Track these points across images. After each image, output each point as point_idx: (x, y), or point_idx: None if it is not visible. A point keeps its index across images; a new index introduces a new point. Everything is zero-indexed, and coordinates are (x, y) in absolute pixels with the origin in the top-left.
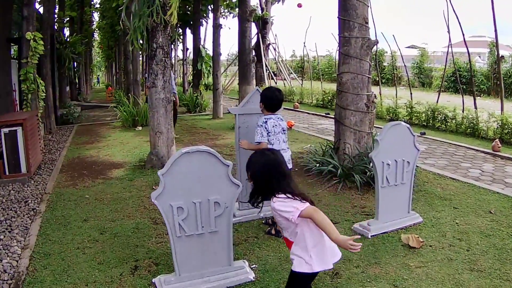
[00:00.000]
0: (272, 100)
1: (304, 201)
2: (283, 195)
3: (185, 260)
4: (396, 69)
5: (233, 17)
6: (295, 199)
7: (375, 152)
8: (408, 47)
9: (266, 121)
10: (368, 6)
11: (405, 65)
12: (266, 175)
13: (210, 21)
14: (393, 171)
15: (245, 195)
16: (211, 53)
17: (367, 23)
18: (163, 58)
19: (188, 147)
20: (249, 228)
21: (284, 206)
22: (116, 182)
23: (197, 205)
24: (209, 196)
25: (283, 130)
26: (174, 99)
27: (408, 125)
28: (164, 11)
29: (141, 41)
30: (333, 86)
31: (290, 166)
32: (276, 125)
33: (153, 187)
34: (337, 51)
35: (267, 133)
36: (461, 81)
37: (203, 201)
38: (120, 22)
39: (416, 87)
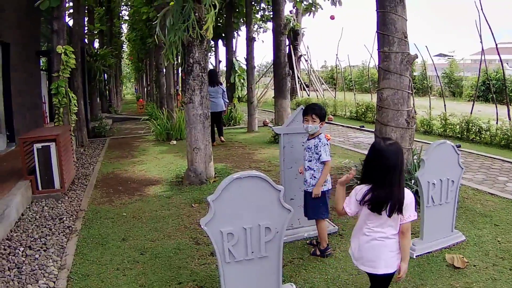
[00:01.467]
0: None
1: None
2: None
3: (234, 285)
4: (427, 79)
5: (264, 31)
6: None
7: (421, 172)
8: (436, 55)
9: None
10: (406, 20)
11: (437, 75)
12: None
13: (242, 33)
14: (438, 191)
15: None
16: (243, 65)
17: (406, 37)
18: (200, 74)
19: (239, 173)
20: (293, 249)
21: None
22: (154, 199)
23: (248, 230)
24: (259, 221)
25: None
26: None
27: (452, 144)
28: (200, 26)
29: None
30: (365, 97)
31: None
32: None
33: (192, 205)
34: (376, 66)
35: (329, 151)
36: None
37: (253, 226)
38: (155, 37)
39: (447, 96)
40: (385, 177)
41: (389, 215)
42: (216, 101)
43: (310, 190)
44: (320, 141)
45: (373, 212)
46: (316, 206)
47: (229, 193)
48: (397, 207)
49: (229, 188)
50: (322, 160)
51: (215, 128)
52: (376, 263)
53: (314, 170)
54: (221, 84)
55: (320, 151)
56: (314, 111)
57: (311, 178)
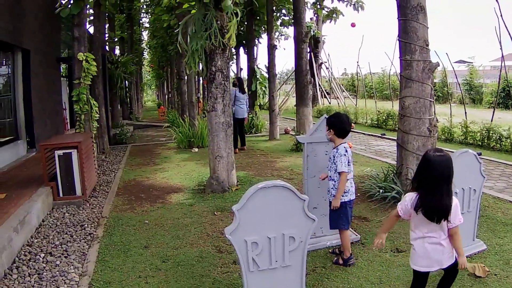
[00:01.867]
0: (346, 126)
1: None
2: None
3: None
4: (447, 86)
5: (285, 39)
6: None
7: None
8: (456, 62)
9: (346, 150)
10: (428, 28)
11: (458, 83)
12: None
13: (263, 40)
14: (460, 200)
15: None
16: (264, 73)
17: (427, 45)
18: (223, 82)
19: (264, 182)
20: (316, 258)
21: None
22: (176, 207)
23: (272, 240)
24: (284, 230)
25: (351, 159)
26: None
27: (474, 153)
28: (222, 34)
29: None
30: (386, 105)
31: (354, 195)
32: (351, 154)
33: (215, 213)
34: (397, 73)
35: (347, 162)
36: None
37: (277, 236)
38: (177, 45)
39: (467, 103)
40: (435, 187)
41: (438, 222)
42: (244, 107)
43: (331, 200)
44: (337, 152)
45: (426, 218)
46: (336, 216)
47: (254, 202)
48: (444, 215)
49: (254, 198)
50: (337, 171)
51: (238, 135)
52: (431, 262)
53: (335, 181)
54: (246, 93)
55: (336, 161)
56: (326, 120)
57: (332, 188)
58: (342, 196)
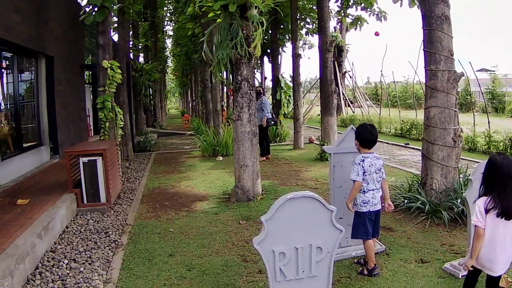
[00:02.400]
0: (369, 137)
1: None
2: None
3: None
4: (470, 95)
5: (309, 48)
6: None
7: (469, 192)
8: (479, 70)
9: (363, 160)
10: (452, 38)
11: (481, 92)
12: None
13: (286, 49)
14: None
15: None
16: (288, 82)
17: (452, 55)
18: (248, 91)
19: (292, 193)
20: (341, 268)
21: None
22: (201, 215)
23: (299, 250)
24: (311, 241)
25: (378, 170)
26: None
27: None
28: (248, 43)
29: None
30: (409, 114)
31: (380, 206)
32: (372, 165)
33: (240, 222)
34: (420, 82)
35: (363, 172)
36: None
37: (305, 246)
38: (202, 53)
39: (490, 112)
40: (506, 186)
41: (509, 219)
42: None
43: (355, 209)
44: (353, 160)
45: (501, 217)
46: (355, 226)
47: (282, 213)
48: None
49: (282, 208)
50: (350, 178)
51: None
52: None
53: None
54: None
55: (351, 170)
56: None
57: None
58: (361, 206)
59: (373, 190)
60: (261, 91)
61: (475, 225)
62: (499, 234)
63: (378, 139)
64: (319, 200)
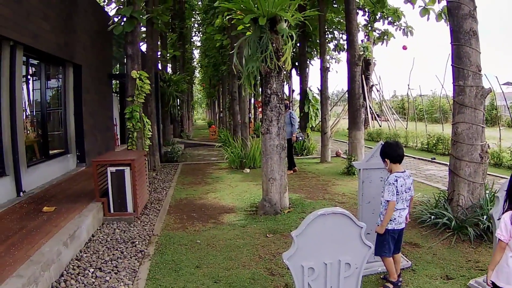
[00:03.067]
0: (398, 151)
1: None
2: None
3: None
4: (496, 109)
5: (336, 62)
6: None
7: (495, 209)
8: (505, 84)
9: (396, 180)
10: (480, 53)
11: (507, 106)
12: None
13: (314, 62)
14: None
15: None
16: (315, 94)
17: (480, 70)
18: (278, 104)
19: (323, 209)
20: (367, 283)
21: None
22: (228, 227)
23: (328, 266)
24: (340, 257)
25: (408, 188)
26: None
27: None
28: (278, 57)
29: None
30: (435, 128)
31: (404, 224)
32: (403, 184)
33: (267, 235)
34: (447, 95)
35: (396, 192)
36: None
37: (334, 262)
38: (232, 66)
39: None
40: None
41: None
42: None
43: (378, 224)
44: (387, 179)
45: None
46: (378, 243)
47: (312, 229)
48: None
49: (313, 224)
50: (384, 199)
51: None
52: None
53: (382, 206)
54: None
55: (384, 189)
56: (380, 153)
57: (381, 213)
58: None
59: (401, 209)
60: (288, 104)
61: (498, 239)
62: None
63: (405, 154)
64: (349, 217)
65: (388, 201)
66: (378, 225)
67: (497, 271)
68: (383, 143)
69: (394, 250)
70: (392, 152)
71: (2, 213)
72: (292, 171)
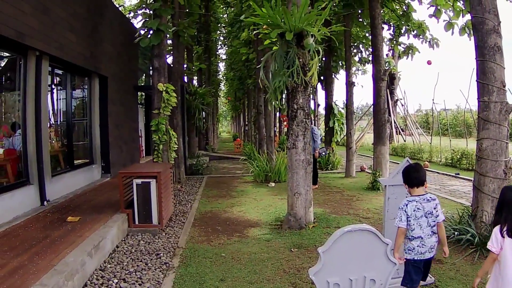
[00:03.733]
0: (416, 175)
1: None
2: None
3: None
4: None
5: (362, 74)
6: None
7: None
8: None
9: (406, 204)
10: (504, 68)
11: None
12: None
13: (339, 76)
14: None
15: None
16: (341, 109)
17: (504, 86)
18: (304, 119)
19: (350, 226)
20: None
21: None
22: (253, 241)
23: (353, 282)
24: (365, 273)
25: (429, 213)
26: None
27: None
28: (304, 72)
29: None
30: (459, 143)
31: (432, 254)
32: (418, 209)
33: (291, 249)
34: (471, 110)
35: (407, 218)
36: None
37: (359, 278)
38: (259, 81)
39: None
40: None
41: None
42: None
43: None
44: (401, 204)
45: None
46: (404, 271)
47: (339, 245)
48: None
49: (339, 241)
50: (395, 224)
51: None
52: None
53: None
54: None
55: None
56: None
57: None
58: (405, 252)
59: (421, 237)
60: (311, 119)
61: (490, 250)
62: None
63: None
64: (375, 233)
65: (396, 226)
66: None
67: (492, 283)
68: (409, 160)
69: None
70: (408, 177)
71: (26, 222)
72: (317, 186)
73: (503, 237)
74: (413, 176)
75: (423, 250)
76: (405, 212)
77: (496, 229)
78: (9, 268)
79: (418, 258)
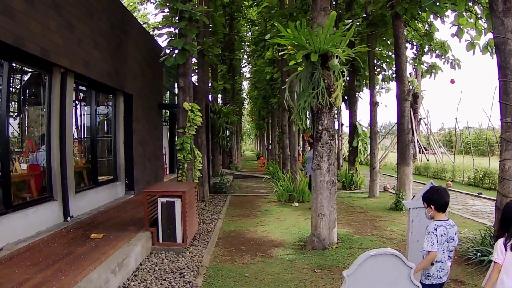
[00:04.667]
0: (445, 198)
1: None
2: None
3: None
4: None
5: (386, 92)
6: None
7: None
8: None
9: (436, 228)
10: None
11: None
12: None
13: (363, 95)
14: None
15: None
16: (364, 128)
17: None
18: (329, 141)
19: (375, 250)
20: None
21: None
22: (276, 261)
23: None
24: None
25: (451, 239)
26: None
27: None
28: (329, 93)
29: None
30: (482, 161)
31: (447, 277)
32: (444, 234)
33: (315, 270)
34: (493, 128)
35: (436, 242)
36: None
37: None
38: (284, 101)
39: None
40: None
41: None
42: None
43: (420, 280)
44: (426, 229)
45: None
46: None
47: (363, 268)
48: None
49: (364, 264)
50: (423, 249)
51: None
52: None
53: (423, 258)
54: None
55: (425, 239)
56: (424, 198)
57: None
58: (424, 278)
59: (441, 261)
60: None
61: (495, 262)
62: None
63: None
64: (400, 257)
65: (428, 251)
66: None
67: None
68: (431, 186)
69: None
70: (439, 199)
71: (49, 237)
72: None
73: (506, 250)
74: (445, 200)
75: (441, 274)
76: (436, 236)
77: (500, 241)
78: (32, 283)
79: (437, 282)
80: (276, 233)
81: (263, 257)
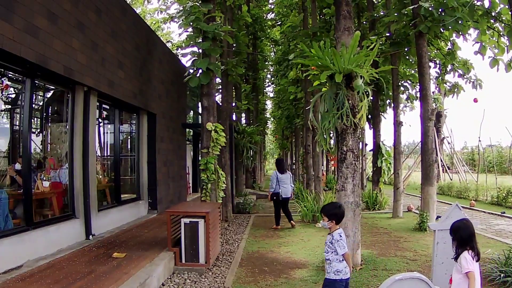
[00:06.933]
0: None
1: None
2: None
3: None
4: None
5: (410, 110)
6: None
7: None
8: None
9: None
10: None
11: None
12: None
13: (386, 115)
14: None
15: None
16: (388, 148)
17: None
18: (353, 161)
19: (401, 274)
20: None
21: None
22: (300, 283)
23: None
24: None
25: None
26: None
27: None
28: (354, 114)
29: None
30: (504, 180)
31: None
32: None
33: None
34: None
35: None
36: None
37: None
38: (308, 122)
39: None
40: (474, 239)
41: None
42: (288, 187)
43: (328, 277)
44: (333, 238)
45: (477, 261)
46: None
47: None
48: None
49: None
50: (340, 254)
51: (281, 213)
52: None
53: (330, 260)
54: (289, 171)
55: (335, 247)
56: (323, 211)
57: (328, 267)
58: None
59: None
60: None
61: (471, 271)
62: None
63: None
64: (425, 281)
65: (344, 254)
66: (328, 278)
67: None
68: (458, 204)
69: None
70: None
71: (71, 255)
72: (278, 227)
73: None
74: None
75: (346, 269)
76: (343, 240)
77: (467, 254)
78: None
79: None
80: (299, 254)
81: (286, 279)
